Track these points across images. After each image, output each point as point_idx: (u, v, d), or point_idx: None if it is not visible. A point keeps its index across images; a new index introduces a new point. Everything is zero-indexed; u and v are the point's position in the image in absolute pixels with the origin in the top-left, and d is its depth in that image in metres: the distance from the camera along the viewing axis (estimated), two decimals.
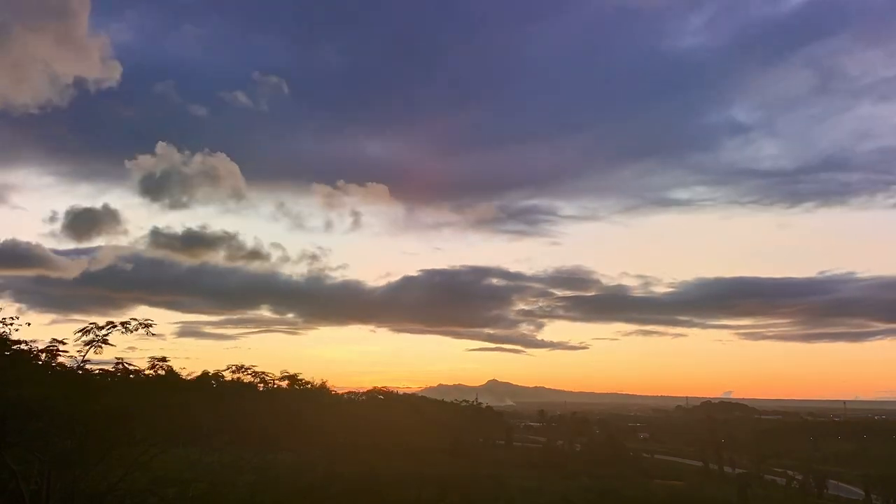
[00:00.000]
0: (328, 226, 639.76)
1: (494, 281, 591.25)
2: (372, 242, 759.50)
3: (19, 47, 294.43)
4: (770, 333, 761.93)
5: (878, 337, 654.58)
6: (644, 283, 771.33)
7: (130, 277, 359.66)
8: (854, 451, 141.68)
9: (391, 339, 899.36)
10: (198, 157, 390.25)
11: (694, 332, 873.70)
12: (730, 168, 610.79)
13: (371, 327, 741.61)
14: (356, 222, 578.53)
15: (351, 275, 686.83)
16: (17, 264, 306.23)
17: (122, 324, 27.95)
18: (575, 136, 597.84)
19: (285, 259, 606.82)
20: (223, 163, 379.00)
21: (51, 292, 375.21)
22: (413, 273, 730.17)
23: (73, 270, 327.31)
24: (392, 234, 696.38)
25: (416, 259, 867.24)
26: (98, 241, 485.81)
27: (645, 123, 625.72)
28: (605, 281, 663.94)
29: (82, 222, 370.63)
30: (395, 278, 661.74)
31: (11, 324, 28.68)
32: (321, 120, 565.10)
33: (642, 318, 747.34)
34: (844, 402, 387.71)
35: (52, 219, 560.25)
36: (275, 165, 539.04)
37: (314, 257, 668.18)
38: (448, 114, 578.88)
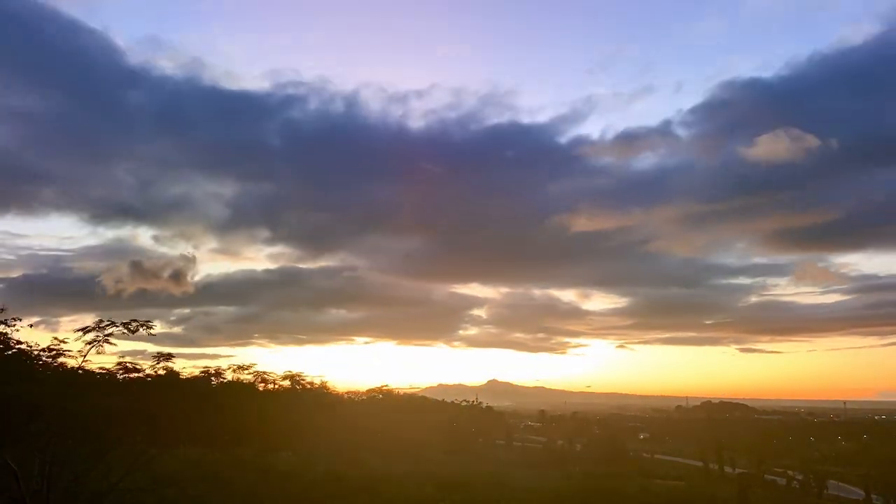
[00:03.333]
0: None
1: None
2: None
3: None
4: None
5: None
6: None
7: None
8: (854, 451, 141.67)
9: None
10: None
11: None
12: None
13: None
14: None
15: None
16: None
17: (124, 324, 27.94)
18: None
19: None
20: None
21: None
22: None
23: None
24: None
25: None
26: None
27: None
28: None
29: None
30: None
31: (14, 325, 28.70)
32: None
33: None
34: (844, 402, 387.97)
35: None
36: None
37: None
38: None
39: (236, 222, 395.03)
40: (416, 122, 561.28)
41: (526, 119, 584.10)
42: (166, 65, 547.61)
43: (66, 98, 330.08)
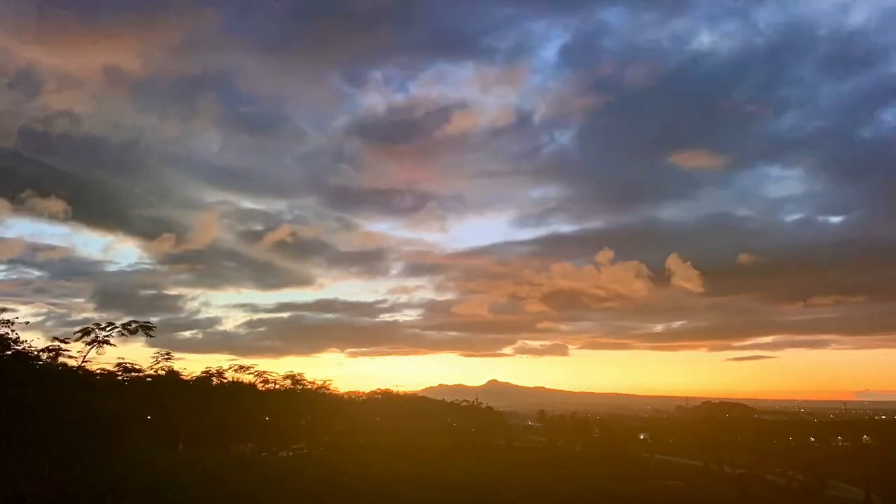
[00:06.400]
0: None
1: None
2: None
3: None
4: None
5: None
6: None
7: None
8: (854, 450, 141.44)
9: None
10: None
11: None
12: None
13: None
14: None
15: None
16: None
17: (123, 325, 27.99)
18: None
19: None
20: None
21: None
22: None
23: None
24: None
25: None
26: None
27: None
28: None
29: None
30: None
31: (12, 324, 28.74)
32: None
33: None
34: (844, 402, 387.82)
35: None
36: None
37: None
38: None
39: None
40: None
41: None
42: None
43: None
